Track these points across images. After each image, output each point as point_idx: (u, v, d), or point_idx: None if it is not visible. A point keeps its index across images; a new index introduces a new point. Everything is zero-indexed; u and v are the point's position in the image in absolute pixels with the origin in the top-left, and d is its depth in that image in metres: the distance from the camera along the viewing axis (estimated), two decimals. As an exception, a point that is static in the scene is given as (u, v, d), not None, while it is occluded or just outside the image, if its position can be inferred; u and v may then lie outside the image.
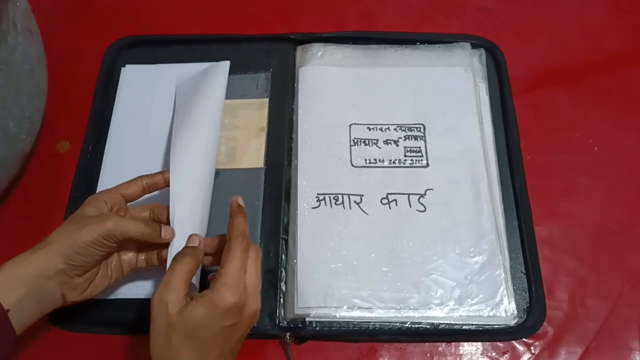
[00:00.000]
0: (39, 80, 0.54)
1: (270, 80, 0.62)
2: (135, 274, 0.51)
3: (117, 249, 0.47)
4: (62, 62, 0.64)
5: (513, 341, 0.50)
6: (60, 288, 0.42)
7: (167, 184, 0.49)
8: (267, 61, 0.63)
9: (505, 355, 0.50)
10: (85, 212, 0.44)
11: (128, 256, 0.48)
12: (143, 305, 0.51)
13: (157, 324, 0.38)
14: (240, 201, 0.46)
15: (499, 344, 0.50)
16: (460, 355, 0.50)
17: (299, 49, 0.64)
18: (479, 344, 0.51)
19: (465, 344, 0.51)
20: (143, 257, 0.48)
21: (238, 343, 0.42)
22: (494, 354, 0.50)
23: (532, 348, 0.50)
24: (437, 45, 0.63)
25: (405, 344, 0.51)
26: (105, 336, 0.51)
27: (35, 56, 0.53)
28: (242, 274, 0.40)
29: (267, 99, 0.61)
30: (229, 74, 0.61)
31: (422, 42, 0.64)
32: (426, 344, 0.51)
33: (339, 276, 0.51)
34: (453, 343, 0.51)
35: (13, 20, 0.48)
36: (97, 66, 0.64)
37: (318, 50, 0.63)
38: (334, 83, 0.61)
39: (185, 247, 0.44)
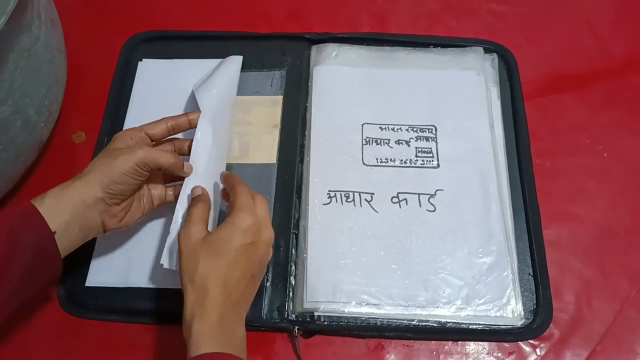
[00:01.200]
0: (59, 71, 0.55)
1: (285, 78, 0.63)
2: (146, 264, 0.52)
3: (147, 182, 0.50)
4: (80, 55, 0.65)
5: (519, 342, 0.51)
6: (100, 216, 0.45)
7: (191, 126, 0.52)
8: (281, 59, 0.64)
9: (511, 356, 0.50)
10: (115, 147, 0.48)
11: (157, 190, 0.51)
12: (154, 295, 0.52)
13: (185, 250, 0.43)
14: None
15: (505, 344, 0.51)
16: (467, 355, 0.51)
17: (314, 48, 0.65)
18: (485, 343, 0.51)
19: (472, 343, 0.51)
20: (171, 192, 0.52)
21: (258, 268, 0.45)
22: (499, 354, 0.51)
23: (537, 350, 0.51)
24: (450, 48, 0.64)
25: (412, 341, 0.51)
26: (115, 324, 0.52)
27: (56, 46, 0.54)
28: (253, 205, 0.45)
29: (281, 97, 0.62)
30: (244, 71, 0.62)
31: (435, 45, 0.65)
32: (432, 342, 0.51)
33: (348, 272, 0.52)
34: (459, 342, 0.51)
35: (37, 9, 0.49)
36: (114, 60, 0.65)
37: (332, 50, 0.64)
38: (348, 83, 0.62)
39: (193, 198, 0.48)
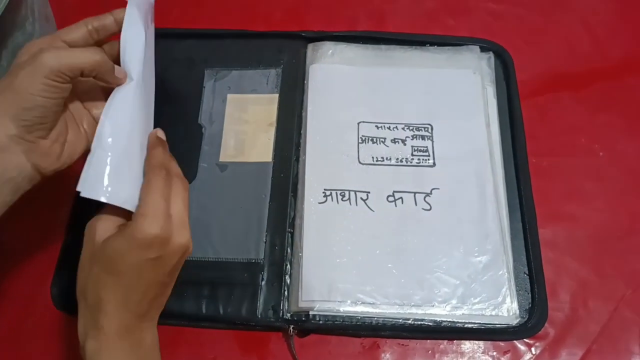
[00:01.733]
0: (53, 68, 0.55)
1: (281, 77, 0.63)
2: None
3: (81, 99, 0.41)
4: (75, 52, 0.65)
5: (514, 341, 0.51)
6: (26, 157, 0.36)
7: (118, 27, 0.42)
8: (277, 58, 0.64)
9: (507, 354, 0.50)
10: (18, 61, 0.37)
11: (99, 108, 0.40)
12: None
13: (84, 252, 0.36)
14: (160, 134, 0.42)
15: (500, 343, 0.51)
16: (462, 354, 0.51)
17: (310, 46, 0.64)
18: (481, 342, 0.51)
19: (467, 342, 0.51)
20: None
21: (167, 280, 0.38)
22: (495, 353, 0.51)
23: (533, 348, 0.51)
24: (447, 47, 0.64)
25: (407, 340, 0.51)
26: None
27: (51, 44, 0.54)
28: (163, 204, 0.36)
29: (277, 95, 0.61)
30: (241, 69, 0.62)
31: (432, 44, 0.64)
32: (428, 341, 0.51)
33: (343, 271, 0.52)
34: (455, 341, 0.51)
35: (31, 6, 0.48)
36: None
37: (329, 49, 0.63)
38: (344, 81, 0.61)
39: None
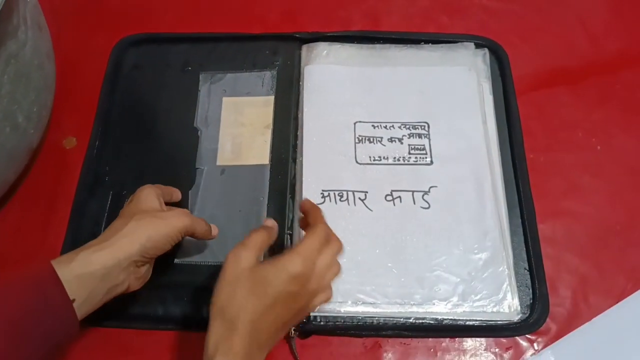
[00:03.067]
0: (48, 76, 0.55)
1: (276, 79, 0.62)
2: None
3: None
4: (69, 59, 0.65)
5: (516, 337, 0.51)
6: (128, 278, 0.44)
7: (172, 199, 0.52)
8: (272, 59, 0.64)
9: (509, 351, 0.50)
10: (152, 206, 0.47)
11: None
12: (149, 299, 0.52)
13: (227, 275, 0.40)
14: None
15: (502, 339, 0.51)
16: (464, 351, 0.50)
17: (305, 47, 0.64)
18: (483, 339, 0.51)
19: (469, 339, 0.51)
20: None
21: (294, 318, 0.42)
22: (497, 350, 0.50)
23: (535, 344, 0.51)
24: (441, 45, 0.64)
25: (409, 339, 0.51)
26: (109, 329, 0.52)
27: (44, 52, 0.54)
28: (315, 253, 0.42)
29: (273, 97, 0.61)
30: (235, 72, 0.62)
31: (427, 42, 0.64)
32: (430, 339, 0.51)
33: (343, 271, 0.50)
34: (457, 338, 0.51)
35: (24, 15, 0.48)
36: (103, 63, 0.65)
37: (323, 49, 0.63)
38: (339, 81, 0.61)
39: (261, 226, 0.46)
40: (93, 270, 0.41)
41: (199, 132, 0.59)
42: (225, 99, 0.61)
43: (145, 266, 0.46)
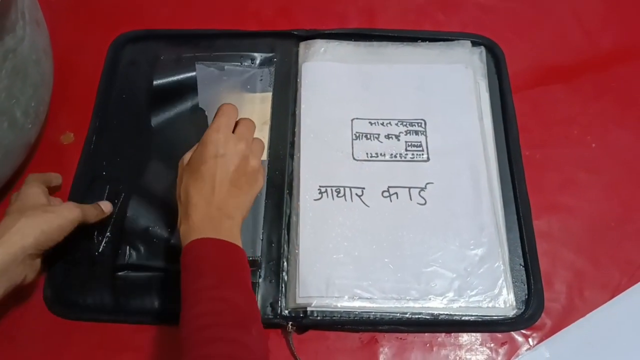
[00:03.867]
0: (45, 72, 0.55)
1: (274, 75, 0.63)
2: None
3: None
4: (67, 55, 0.65)
5: (512, 332, 0.51)
6: (25, 270, 0.46)
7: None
8: (270, 56, 0.64)
9: (504, 346, 0.51)
10: (40, 201, 0.49)
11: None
12: (146, 292, 0.52)
13: (179, 176, 0.47)
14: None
15: (497, 334, 0.51)
16: (460, 346, 0.51)
17: (302, 45, 0.65)
18: (478, 334, 0.51)
19: (465, 334, 0.51)
20: None
21: (236, 181, 0.46)
22: (492, 345, 0.51)
23: (530, 339, 0.51)
24: (438, 42, 0.64)
25: (406, 334, 0.51)
26: (106, 325, 0.51)
27: (42, 47, 0.54)
28: (225, 124, 0.47)
29: (271, 93, 0.61)
30: (234, 66, 0.62)
31: (423, 40, 0.65)
32: (426, 334, 0.51)
33: (340, 267, 0.52)
34: (452, 333, 0.51)
35: (22, 10, 0.48)
36: (101, 60, 0.65)
37: (321, 47, 0.64)
38: (336, 78, 0.62)
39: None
40: None
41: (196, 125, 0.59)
42: (223, 95, 0.61)
43: (39, 258, 0.48)
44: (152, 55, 0.64)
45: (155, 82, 0.61)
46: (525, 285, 0.52)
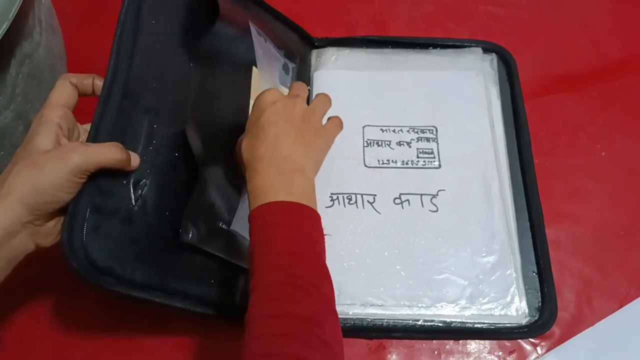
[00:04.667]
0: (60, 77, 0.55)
1: (295, 77, 0.61)
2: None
3: None
4: (80, 61, 0.65)
5: (520, 340, 0.51)
6: (31, 239, 0.38)
7: (95, 93, 0.43)
8: (294, 53, 0.62)
9: (512, 354, 0.51)
10: (39, 145, 0.37)
11: None
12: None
13: (237, 148, 0.45)
14: None
15: (506, 343, 0.51)
16: (468, 353, 0.51)
17: (314, 53, 0.65)
18: (487, 342, 0.51)
19: (473, 342, 0.51)
20: None
21: (302, 127, 0.44)
22: (500, 353, 0.51)
23: (538, 348, 0.51)
24: (449, 49, 0.65)
25: (413, 341, 0.51)
26: (119, 325, 0.51)
27: (57, 53, 0.54)
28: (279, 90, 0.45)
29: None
30: (275, 48, 0.58)
31: (435, 47, 0.65)
32: (434, 341, 0.51)
33: (352, 274, 0.52)
34: (460, 341, 0.51)
35: (38, 16, 0.49)
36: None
37: (332, 55, 0.64)
38: (348, 86, 0.62)
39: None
40: None
41: None
42: (255, 70, 0.55)
43: (52, 220, 0.38)
44: None
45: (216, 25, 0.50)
46: (539, 293, 0.52)
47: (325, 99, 0.48)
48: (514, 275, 0.52)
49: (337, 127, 0.49)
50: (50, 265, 0.51)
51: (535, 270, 0.53)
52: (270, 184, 0.40)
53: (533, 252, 0.54)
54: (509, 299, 0.51)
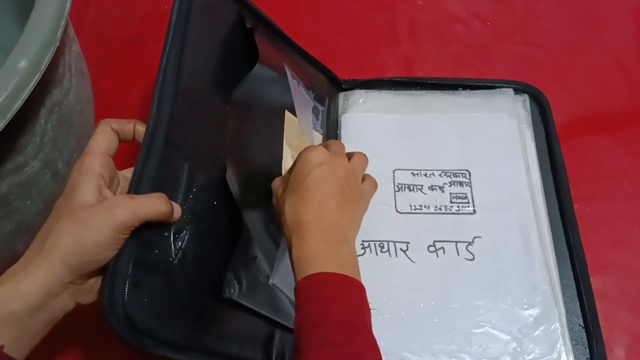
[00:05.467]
0: (87, 122, 0.55)
1: (325, 120, 0.60)
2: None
3: None
4: (108, 105, 0.65)
5: (569, 400, 0.48)
6: (72, 298, 0.36)
7: (135, 139, 0.41)
8: (324, 96, 0.61)
9: (562, 415, 0.47)
10: (82, 199, 0.35)
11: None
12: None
13: (274, 202, 0.44)
14: None
15: (554, 403, 0.48)
16: (514, 415, 0.47)
17: (341, 95, 0.64)
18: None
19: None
20: None
21: (344, 186, 0.42)
22: (549, 414, 0.47)
23: (589, 408, 0.48)
24: (479, 90, 0.63)
25: (456, 400, 0.48)
26: None
27: (86, 98, 0.54)
28: (333, 147, 0.44)
29: (322, 136, 0.59)
30: (305, 89, 0.57)
31: (464, 88, 0.64)
32: (476, 400, 0.48)
33: (386, 328, 0.49)
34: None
35: (69, 63, 0.48)
36: (141, 108, 0.65)
37: (360, 97, 0.63)
38: (376, 129, 0.61)
39: None
40: (15, 310, 0.32)
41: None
42: (288, 114, 0.54)
43: (93, 278, 0.36)
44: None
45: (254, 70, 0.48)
46: (587, 349, 0.49)
47: (364, 159, 0.47)
48: (560, 330, 0.49)
49: (374, 187, 0.48)
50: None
51: (582, 324, 0.50)
52: (318, 253, 0.38)
53: (579, 304, 0.51)
54: (555, 355, 0.48)
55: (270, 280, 0.45)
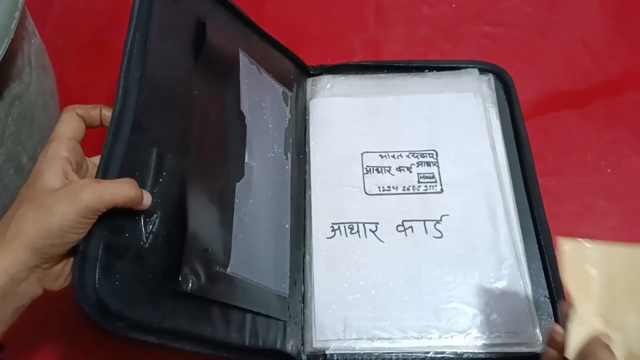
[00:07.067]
0: (52, 116, 0.54)
1: (294, 107, 0.60)
2: None
3: None
4: (73, 99, 0.63)
5: (536, 368, 0.49)
6: (40, 284, 0.35)
7: (102, 124, 0.41)
8: (292, 81, 0.61)
9: (529, 383, 0.49)
10: (46, 184, 0.35)
11: None
12: None
13: None
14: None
15: (521, 371, 0.49)
16: (482, 384, 0.49)
17: (309, 81, 0.64)
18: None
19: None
20: None
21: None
22: (516, 383, 0.49)
23: (557, 375, 0.49)
24: (445, 71, 0.64)
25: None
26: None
27: (49, 92, 0.53)
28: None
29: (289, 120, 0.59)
30: (268, 76, 0.56)
31: (431, 69, 0.64)
32: (446, 371, 0.49)
33: (357, 307, 0.50)
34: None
35: (28, 56, 0.48)
36: (107, 101, 0.64)
37: (327, 82, 0.63)
38: (344, 113, 0.61)
39: None
40: None
41: (245, 119, 0.51)
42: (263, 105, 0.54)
43: (60, 263, 0.36)
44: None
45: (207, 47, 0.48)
46: (552, 318, 0.50)
47: None
48: (526, 302, 0.50)
49: None
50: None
51: (547, 295, 0.51)
52: None
53: (544, 276, 0.52)
54: (521, 326, 0.49)
55: (229, 269, 0.44)
